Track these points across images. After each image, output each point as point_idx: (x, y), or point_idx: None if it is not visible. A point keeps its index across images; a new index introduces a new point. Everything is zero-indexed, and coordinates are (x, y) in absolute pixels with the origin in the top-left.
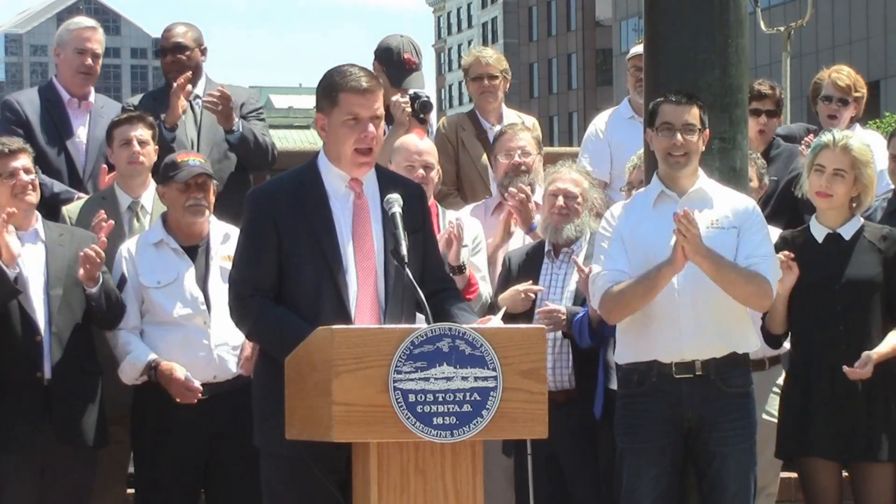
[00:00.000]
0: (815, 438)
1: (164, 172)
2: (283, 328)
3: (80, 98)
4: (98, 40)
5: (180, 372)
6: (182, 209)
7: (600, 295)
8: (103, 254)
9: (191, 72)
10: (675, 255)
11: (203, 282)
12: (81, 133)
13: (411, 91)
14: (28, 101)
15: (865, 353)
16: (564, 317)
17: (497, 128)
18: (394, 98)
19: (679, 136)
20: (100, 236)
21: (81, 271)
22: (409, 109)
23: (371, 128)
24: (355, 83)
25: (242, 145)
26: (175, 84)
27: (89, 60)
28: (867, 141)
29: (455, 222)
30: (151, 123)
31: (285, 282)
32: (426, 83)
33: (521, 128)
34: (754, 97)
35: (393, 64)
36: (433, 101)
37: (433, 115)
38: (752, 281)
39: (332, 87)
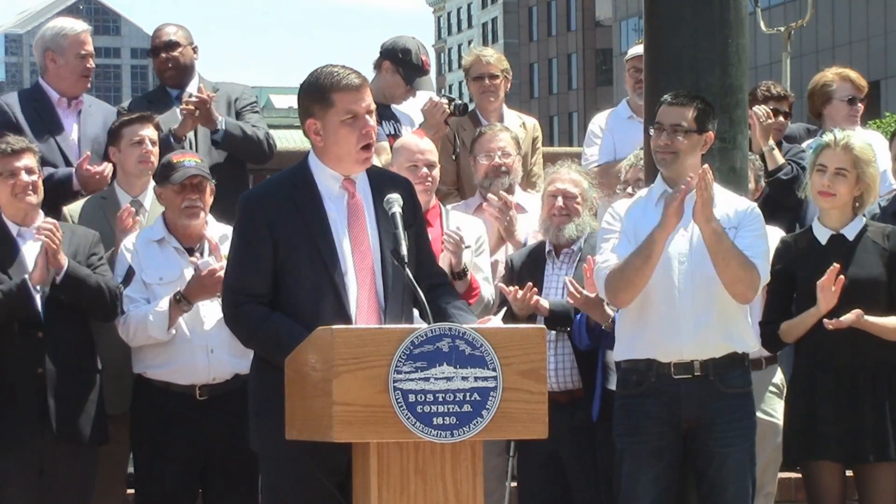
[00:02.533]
0: (822, 441)
1: (160, 173)
2: (282, 335)
3: (71, 98)
4: (91, 41)
5: (202, 266)
6: (178, 211)
7: (604, 273)
8: (59, 234)
9: (197, 102)
10: (665, 217)
11: None
12: (73, 131)
13: (431, 93)
14: (16, 102)
15: (858, 311)
16: (539, 302)
17: None
18: (434, 99)
19: (664, 135)
20: (126, 221)
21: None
22: (448, 111)
23: (370, 120)
24: (347, 82)
25: (229, 142)
26: (184, 106)
27: (91, 63)
28: (869, 140)
29: (455, 230)
30: (158, 124)
31: (283, 286)
32: (433, 84)
33: (500, 128)
34: (772, 97)
35: (410, 65)
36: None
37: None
38: (745, 267)
39: (323, 89)
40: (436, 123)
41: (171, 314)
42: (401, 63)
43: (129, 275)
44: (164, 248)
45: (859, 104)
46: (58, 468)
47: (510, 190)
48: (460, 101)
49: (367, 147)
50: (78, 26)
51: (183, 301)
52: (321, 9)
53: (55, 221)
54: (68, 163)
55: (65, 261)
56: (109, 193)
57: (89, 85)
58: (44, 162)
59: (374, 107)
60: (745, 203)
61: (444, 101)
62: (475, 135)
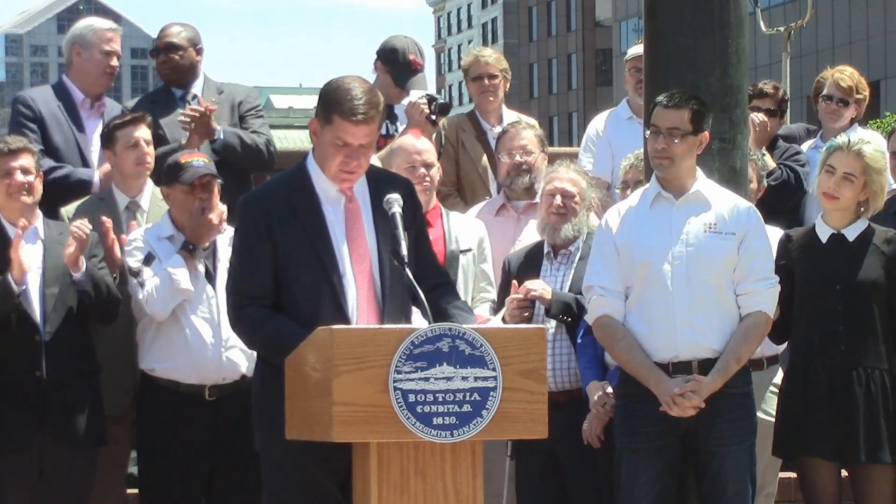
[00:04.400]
0: (813, 438)
1: (168, 173)
2: (282, 336)
3: (94, 98)
4: (119, 42)
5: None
6: (188, 211)
7: (594, 317)
8: (89, 234)
9: (195, 115)
10: (663, 402)
11: (212, 282)
12: (96, 133)
13: (424, 93)
14: (41, 97)
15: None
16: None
17: (497, 129)
18: (411, 99)
19: (661, 139)
20: (108, 235)
21: (68, 251)
22: (427, 111)
23: (358, 156)
24: (351, 112)
25: (228, 152)
26: (181, 118)
27: (115, 61)
28: (882, 148)
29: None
30: (150, 122)
31: (283, 289)
32: (427, 83)
33: (524, 126)
34: (755, 95)
35: (398, 65)
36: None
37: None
38: (754, 339)
39: (329, 105)
40: (416, 123)
41: (188, 266)
42: (389, 63)
43: (150, 257)
44: (176, 246)
45: (839, 104)
46: (57, 469)
47: (532, 189)
48: (442, 101)
49: (348, 172)
50: (106, 24)
51: (194, 248)
52: (321, 9)
53: (88, 227)
54: (86, 163)
55: (83, 263)
56: (107, 194)
57: (111, 84)
58: (61, 160)
59: (373, 139)
60: (743, 204)
61: (424, 100)
62: (499, 133)
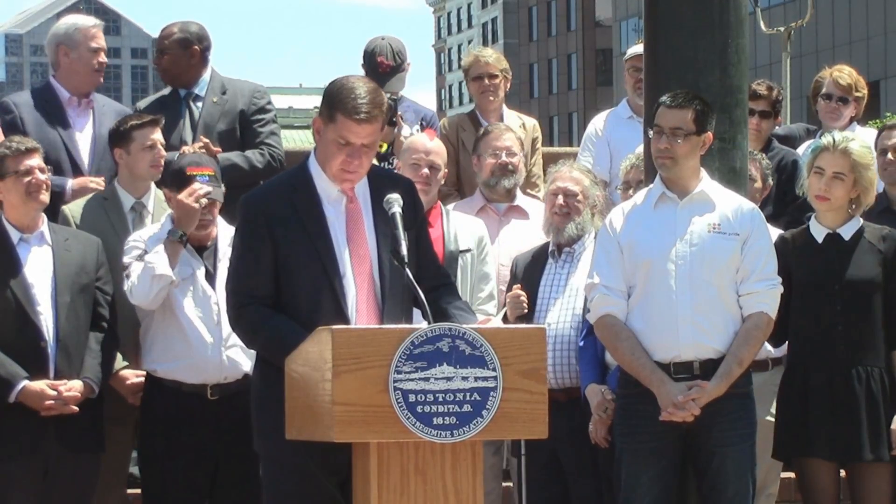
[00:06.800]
0: (813, 439)
1: (174, 181)
2: (282, 336)
3: (81, 97)
4: (103, 37)
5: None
6: None
7: (596, 316)
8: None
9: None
10: (663, 405)
11: (212, 282)
12: (86, 132)
13: (403, 94)
14: (24, 102)
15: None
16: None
17: None
18: None
19: (664, 139)
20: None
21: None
22: None
23: (360, 156)
24: (355, 111)
25: (229, 177)
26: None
27: (102, 57)
28: (868, 143)
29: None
30: (163, 125)
31: (283, 289)
32: (425, 84)
33: (505, 128)
34: (749, 97)
35: (369, 67)
36: (431, 103)
37: (434, 118)
38: (756, 341)
39: (333, 103)
40: None
41: (168, 251)
42: (366, 66)
43: (142, 256)
44: None
45: (838, 103)
46: (61, 472)
47: (513, 191)
48: (391, 100)
49: (349, 171)
50: (90, 21)
51: (182, 235)
52: (322, 9)
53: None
54: (74, 163)
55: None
56: (111, 194)
57: (101, 80)
58: (48, 161)
59: (376, 139)
60: (747, 205)
61: None
62: (479, 134)
